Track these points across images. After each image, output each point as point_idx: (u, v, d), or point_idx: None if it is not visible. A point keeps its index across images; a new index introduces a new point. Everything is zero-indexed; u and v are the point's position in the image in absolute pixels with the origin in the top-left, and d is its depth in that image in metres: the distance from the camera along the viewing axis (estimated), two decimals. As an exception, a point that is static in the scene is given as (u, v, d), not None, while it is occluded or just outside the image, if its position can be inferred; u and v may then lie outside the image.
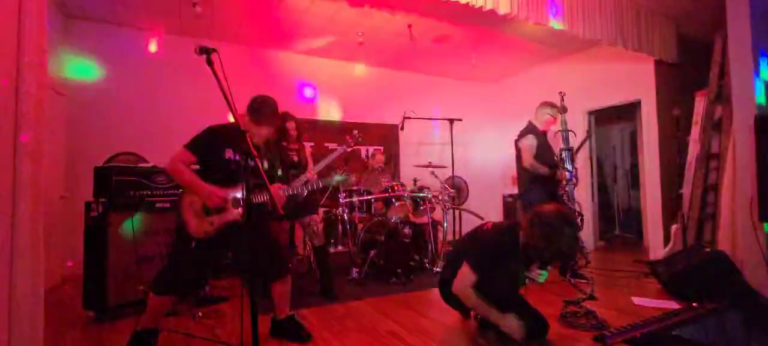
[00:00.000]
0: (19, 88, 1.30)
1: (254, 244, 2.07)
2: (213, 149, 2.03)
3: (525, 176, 3.64)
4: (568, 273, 3.56)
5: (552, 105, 3.67)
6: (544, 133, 3.68)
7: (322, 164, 3.20)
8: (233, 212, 2.02)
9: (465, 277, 2.11)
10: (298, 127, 3.27)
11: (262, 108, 2.11)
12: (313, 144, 5.03)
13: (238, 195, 2.02)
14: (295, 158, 3.24)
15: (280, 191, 2.16)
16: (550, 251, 1.99)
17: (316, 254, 3.26)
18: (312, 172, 3.11)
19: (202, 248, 1.99)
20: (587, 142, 5.10)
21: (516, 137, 3.74)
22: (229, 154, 2.04)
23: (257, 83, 4.86)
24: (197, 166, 2.04)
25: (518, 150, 3.67)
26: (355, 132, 3.28)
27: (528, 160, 3.52)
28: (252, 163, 1.72)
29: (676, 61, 4.33)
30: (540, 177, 3.52)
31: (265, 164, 2.23)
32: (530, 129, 3.66)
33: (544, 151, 3.60)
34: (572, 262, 2.25)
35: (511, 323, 2.05)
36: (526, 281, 2.36)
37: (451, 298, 2.32)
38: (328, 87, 5.46)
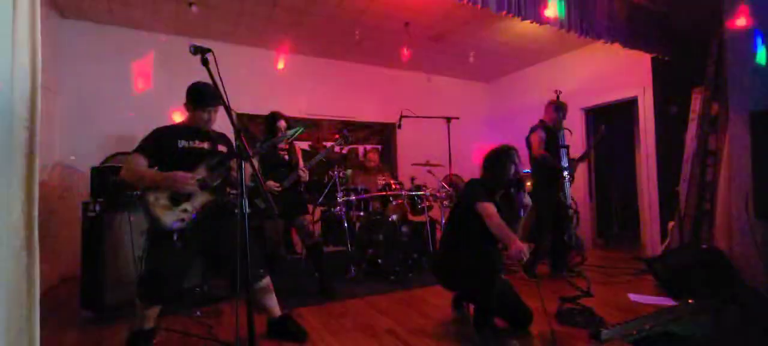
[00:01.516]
0: (14, 88, 1.30)
1: (227, 239, 2.03)
2: (163, 143, 2.01)
3: (533, 168, 3.70)
4: (563, 271, 3.58)
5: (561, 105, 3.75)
6: (554, 130, 3.71)
7: (313, 162, 3.19)
8: (203, 195, 2.01)
9: (487, 207, 2.23)
10: (288, 127, 3.26)
11: (200, 92, 2.07)
12: (310, 143, 5.03)
13: (202, 176, 2.01)
14: (286, 157, 3.24)
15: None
16: (505, 168, 2.36)
17: (311, 253, 3.26)
18: (303, 169, 3.11)
19: (184, 240, 1.95)
20: (584, 135, 5.10)
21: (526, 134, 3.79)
22: (182, 144, 2.04)
23: (254, 83, 4.87)
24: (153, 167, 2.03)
25: (529, 143, 3.71)
26: (345, 131, 3.30)
27: (538, 150, 3.58)
28: (257, 155, 1.75)
29: (673, 58, 4.34)
30: (545, 172, 3.55)
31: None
32: (540, 124, 3.72)
33: (552, 146, 3.63)
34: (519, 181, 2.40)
35: (520, 245, 2.14)
36: (522, 211, 2.45)
37: (447, 280, 2.46)
38: (325, 85, 5.46)
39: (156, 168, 2.00)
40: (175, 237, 1.91)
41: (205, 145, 2.10)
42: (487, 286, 2.16)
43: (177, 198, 1.95)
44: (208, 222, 2.02)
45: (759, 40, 3.08)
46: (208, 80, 1.61)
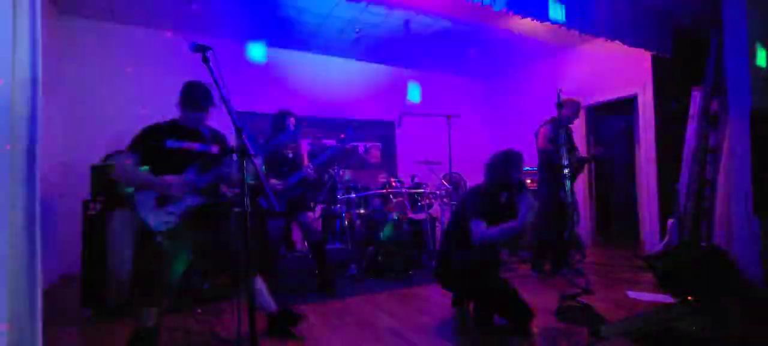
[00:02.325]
0: (15, 86, 1.29)
1: (220, 238, 2.06)
2: (151, 143, 1.98)
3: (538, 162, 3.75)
4: (562, 268, 3.59)
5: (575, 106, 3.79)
6: (565, 127, 3.72)
7: (323, 160, 3.18)
8: (191, 197, 1.99)
9: (476, 226, 2.24)
10: (296, 125, 3.25)
11: (190, 94, 2.05)
12: (309, 140, 5.03)
13: (190, 179, 1.99)
14: (289, 155, 3.22)
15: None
16: (509, 174, 2.35)
17: (313, 250, 3.26)
18: (310, 168, 3.11)
19: (170, 240, 1.92)
20: (585, 133, 5.10)
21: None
22: (170, 144, 2.00)
23: (253, 81, 4.86)
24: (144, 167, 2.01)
25: (536, 136, 3.77)
26: (349, 129, 3.29)
27: (541, 143, 3.65)
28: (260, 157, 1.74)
29: (673, 56, 4.34)
30: (548, 168, 3.58)
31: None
32: (550, 120, 3.76)
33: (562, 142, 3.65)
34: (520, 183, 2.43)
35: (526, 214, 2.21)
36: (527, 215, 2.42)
37: (448, 281, 2.47)
38: (325, 83, 5.45)
39: (148, 168, 1.98)
40: (158, 239, 1.89)
41: (196, 145, 2.06)
42: (485, 285, 2.17)
43: (164, 200, 1.94)
44: (199, 222, 2.00)
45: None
46: (212, 78, 1.60)
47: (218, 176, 2.06)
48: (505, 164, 2.39)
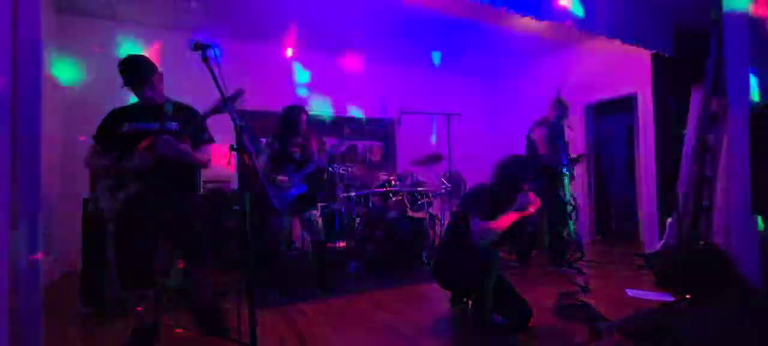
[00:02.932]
0: (16, 85, 1.30)
1: (176, 221, 2.02)
2: (108, 131, 1.98)
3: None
4: (563, 265, 3.60)
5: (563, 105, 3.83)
6: (556, 127, 3.74)
7: (334, 150, 3.20)
8: (134, 183, 1.93)
9: (476, 225, 2.22)
10: (306, 120, 3.22)
11: (121, 70, 2.02)
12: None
13: (136, 162, 1.91)
14: (297, 154, 3.17)
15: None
16: (517, 186, 2.30)
17: (315, 249, 3.26)
18: (322, 161, 3.07)
19: (124, 223, 1.93)
20: (584, 132, 5.11)
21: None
22: (127, 128, 1.96)
23: (254, 78, 4.85)
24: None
25: (529, 140, 3.81)
26: (347, 129, 3.28)
27: (540, 146, 3.71)
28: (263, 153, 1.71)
29: (673, 54, 4.34)
30: (548, 173, 3.65)
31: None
32: (542, 121, 3.83)
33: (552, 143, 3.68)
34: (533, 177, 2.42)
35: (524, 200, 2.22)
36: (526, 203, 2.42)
37: (446, 281, 2.46)
38: (324, 81, 5.45)
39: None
40: (109, 227, 1.98)
41: (153, 125, 1.97)
42: (485, 285, 2.17)
43: (119, 184, 1.92)
44: (150, 205, 1.94)
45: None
46: (212, 76, 1.60)
47: (157, 156, 1.94)
48: (520, 169, 2.35)
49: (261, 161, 3.10)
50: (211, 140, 2.15)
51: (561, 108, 3.76)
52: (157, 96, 2.03)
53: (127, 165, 1.91)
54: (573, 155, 3.91)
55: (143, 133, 1.94)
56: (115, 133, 1.95)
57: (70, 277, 3.56)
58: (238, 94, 1.79)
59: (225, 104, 1.69)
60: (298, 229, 3.80)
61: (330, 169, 4.01)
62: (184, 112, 2.07)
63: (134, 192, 1.92)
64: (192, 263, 2.12)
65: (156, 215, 1.98)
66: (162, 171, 1.95)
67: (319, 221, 3.25)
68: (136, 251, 1.96)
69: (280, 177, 3.02)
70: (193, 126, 2.03)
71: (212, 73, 1.55)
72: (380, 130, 5.86)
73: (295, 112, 3.17)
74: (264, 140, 3.39)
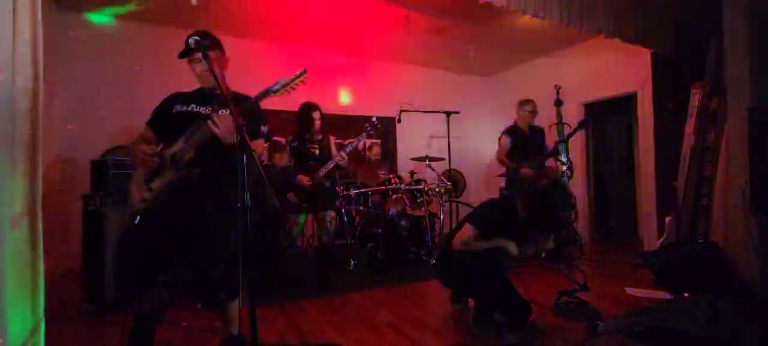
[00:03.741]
0: (16, 82, 1.30)
1: (197, 236, 1.67)
2: (163, 109, 1.79)
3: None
4: (561, 263, 3.62)
5: (527, 101, 3.89)
6: (526, 130, 3.77)
7: (350, 148, 3.13)
8: (170, 170, 1.66)
9: (464, 232, 2.23)
10: (322, 118, 3.21)
11: (186, 42, 1.73)
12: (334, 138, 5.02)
13: (178, 147, 1.66)
14: (316, 152, 3.17)
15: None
16: (552, 218, 2.26)
17: (322, 249, 3.26)
18: (341, 156, 3.04)
19: (146, 224, 1.65)
20: (583, 131, 5.11)
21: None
22: (177, 108, 1.77)
23: (254, 76, 4.85)
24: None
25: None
26: (374, 119, 3.27)
27: (497, 155, 3.89)
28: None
29: (673, 53, 4.34)
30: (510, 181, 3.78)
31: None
32: (507, 129, 3.95)
33: (523, 149, 3.71)
34: (563, 229, 2.41)
35: (509, 245, 2.18)
36: (539, 251, 2.42)
37: (448, 280, 2.47)
38: (325, 79, 5.44)
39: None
40: (136, 220, 1.66)
41: (204, 109, 1.74)
42: (492, 286, 2.18)
43: (151, 175, 1.68)
44: (173, 206, 1.66)
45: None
46: (212, 74, 1.57)
47: (201, 140, 1.65)
48: (549, 209, 2.25)
49: (284, 161, 3.16)
50: (264, 136, 1.86)
51: (521, 109, 3.82)
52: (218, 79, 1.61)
53: (172, 152, 1.67)
54: (570, 129, 3.88)
55: (193, 116, 1.71)
56: (167, 114, 1.76)
57: (70, 274, 3.57)
58: (301, 74, 1.69)
59: (272, 91, 1.65)
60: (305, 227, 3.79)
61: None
62: (237, 99, 1.75)
63: (167, 183, 1.65)
64: (207, 300, 1.76)
65: (190, 217, 1.67)
66: (206, 163, 1.67)
67: (333, 223, 3.24)
68: (152, 255, 1.65)
69: (300, 176, 3.03)
70: (246, 114, 1.64)
71: (213, 71, 1.54)
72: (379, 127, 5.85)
73: (305, 109, 3.18)
74: (283, 140, 3.42)
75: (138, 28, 4.38)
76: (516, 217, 2.28)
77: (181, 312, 2.58)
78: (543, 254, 2.37)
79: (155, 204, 1.64)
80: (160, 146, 1.73)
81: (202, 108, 1.74)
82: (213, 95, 1.74)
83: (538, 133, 3.89)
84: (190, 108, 1.74)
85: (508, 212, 2.31)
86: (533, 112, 3.83)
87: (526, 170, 3.67)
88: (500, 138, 3.92)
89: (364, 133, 3.22)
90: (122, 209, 2.72)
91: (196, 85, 1.83)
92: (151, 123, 1.79)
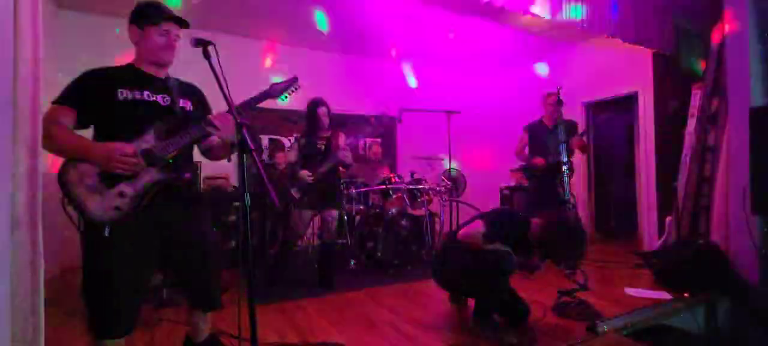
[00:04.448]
0: (17, 82, 1.30)
1: (191, 242, 1.54)
2: (96, 92, 1.42)
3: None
4: (562, 263, 3.61)
5: (549, 94, 3.85)
6: (550, 124, 3.76)
7: (350, 143, 3.20)
8: (149, 172, 1.41)
9: (475, 226, 2.23)
10: (329, 114, 3.21)
11: (148, 4, 1.54)
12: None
13: (149, 145, 1.42)
14: (321, 148, 3.17)
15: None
16: (565, 251, 2.21)
17: (323, 248, 3.26)
18: (343, 150, 3.05)
19: (121, 235, 1.37)
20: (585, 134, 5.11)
21: None
22: (124, 94, 1.43)
23: (255, 75, 4.85)
24: (82, 129, 1.46)
25: None
26: (372, 118, 3.27)
27: (515, 151, 3.94)
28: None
29: (674, 53, 4.34)
30: (528, 168, 3.79)
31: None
32: (526, 125, 3.93)
33: (544, 144, 3.71)
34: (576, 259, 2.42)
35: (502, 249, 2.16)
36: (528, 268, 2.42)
37: (445, 279, 2.46)
38: (325, 78, 5.44)
39: (86, 130, 1.46)
40: (106, 232, 1.35)
41: (158, 97, 1.51)
42: (496, 288, 2.18)
43: (111, 176, 1.37)
44: (159, 211, 1.45)
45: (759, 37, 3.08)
46: (213, 73, 1.55)
47: (192, 142, 1.52)
48: (565, 244, 2.20)
49: (292, 157, 3.19)
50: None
51: (546, 105, 3.85)
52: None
53: (153, 149, 1.43)
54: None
55: (147, 106, 1.47)
56: (106, 98, 1.42)
57: (70, 273, 3.57)
58: (293, 81, 1.64)
59: (268, 94, 1.61)
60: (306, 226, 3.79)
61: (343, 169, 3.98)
62: (192, 91, 1.64)
63: (149, 184, 1.41)
64: (202, 303, 1.67)
65: (169, 229, 1.50)
66: (183, 163, 1.52)
67: (335, 223, 3.25)
68: (134, 283, 1.45)
69: (303, 172, 3.04)
70: (206, 111, 1.61)
71: (213, 70, 1.53)
72: (380, 127, 5.86)
73: (312, 105, 3.19)
74: (293, 137, 3.44)
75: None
76: (526, 234, 2.25)
77: (181, 310, 2.58)
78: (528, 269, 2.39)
79: (130, 213, 1.38)
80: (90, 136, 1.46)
81: (158, 97, 1.51)
82: (163, 82, 1.55)
83: (564, 126, 3.60)
84: (144, 96, 1.47)
85: (520, 227, 2.28)
86: (554, 104, 3.68)
87: (536, 160, 3.69)
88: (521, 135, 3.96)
89: (367, 130, 3.21)
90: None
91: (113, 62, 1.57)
92: (74, 105, 1.41)
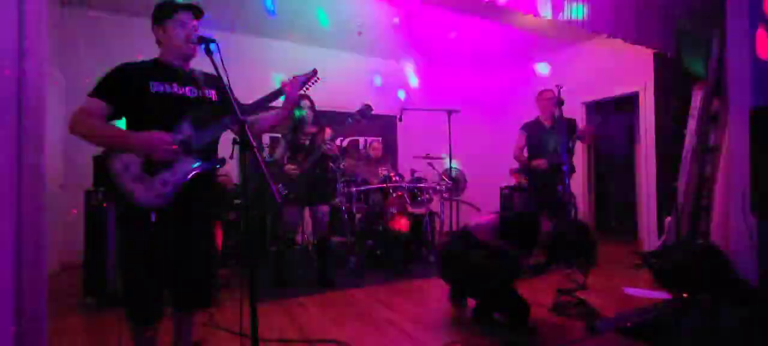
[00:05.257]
0: (21, 77, 1.31)
1: (192, 238, 1.55)
2: (131, 86, 1.47)
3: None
4: (561, 263, 3.61)
5: (542, 91, 3.86)
6: (547, 123, 3.75)
7: (335, 133, 3.19)
8: (187, 160, 1.47)
9: (487, 219, 2.30)
10: (312, 108, 3.22)
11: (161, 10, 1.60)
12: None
13: (184, 135, 1.48)
14: (306, 142, 3.18)
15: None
16: (572, 254, 2.28)
17: (318, 244, 3.28)
18: (326, 142, 3.05)
19: (164, 222, 1.44)
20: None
21: None
22: (156, 87, 1.50)
23: (256, 74, 4.85)
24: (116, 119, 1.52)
25: None
26: (363, 107, 3.24)
27: (513, 152, 3.90)
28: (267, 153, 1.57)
29: (675, 54, 4.33)
30: (528, 169, 3.77)
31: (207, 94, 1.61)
32: (524, 124, 3.90)
33: (541, 143, 3.69)
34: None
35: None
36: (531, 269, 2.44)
37: (451, 272, 2.47)
38: (325, 77, 5.44)
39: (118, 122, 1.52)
40: (152, 218, 1.40)
41: (187, 90, 1.57)
42: (504, 288, 2.18)
43: (153, 166, 1.42)
44: (189, 202, 1.51)
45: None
46: (215, 70, 1.55)
47: (221, 132, 1.59)
48: (574, 246, 2.31)
49: (279, 153, 3.19)
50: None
51: (541, 102, 3.87)
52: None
53: (187, 140, 1.47)
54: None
55: (178, 99, 1.53)
56: (141, 92, 1.47)
57: (72, 268, 3.59)
58: (313, 74, 1.70)
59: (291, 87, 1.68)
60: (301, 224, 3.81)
61: (331, 164, 4.00)
62: (214, 81, 1.62)
63: (187, 175, 1.45)
64: (204, 301, 1.68)
65: (198, 217, 1.57)
66: (211, 152, 1.59)
67: (327, 218, 3.26)
68: (168, 269, 1.52)
69: (288, 166, 3.05)
70: (229, 102, 1.54)
71: (216, 67, 1.54)
72: (381, 125, 5.87)
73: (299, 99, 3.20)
74: (279, 134, 3.44)
75: (143, 24, 4.38)
76: (535, 234, 2.27)
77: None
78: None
79: (171, 201, 1.43)
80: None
81: (186, 89, 1.56)
82: (189, 74, 1.61)
83: (564, 124, 3.50)
84: (173, 88, 1.53)
85: (530, 226, 2.30)
86: (551, 101, 3.66)
87: (537, 162, 3.66)
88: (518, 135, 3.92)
89: (352, 118, 3.17)
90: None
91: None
92: (109, 98, 1.45)
